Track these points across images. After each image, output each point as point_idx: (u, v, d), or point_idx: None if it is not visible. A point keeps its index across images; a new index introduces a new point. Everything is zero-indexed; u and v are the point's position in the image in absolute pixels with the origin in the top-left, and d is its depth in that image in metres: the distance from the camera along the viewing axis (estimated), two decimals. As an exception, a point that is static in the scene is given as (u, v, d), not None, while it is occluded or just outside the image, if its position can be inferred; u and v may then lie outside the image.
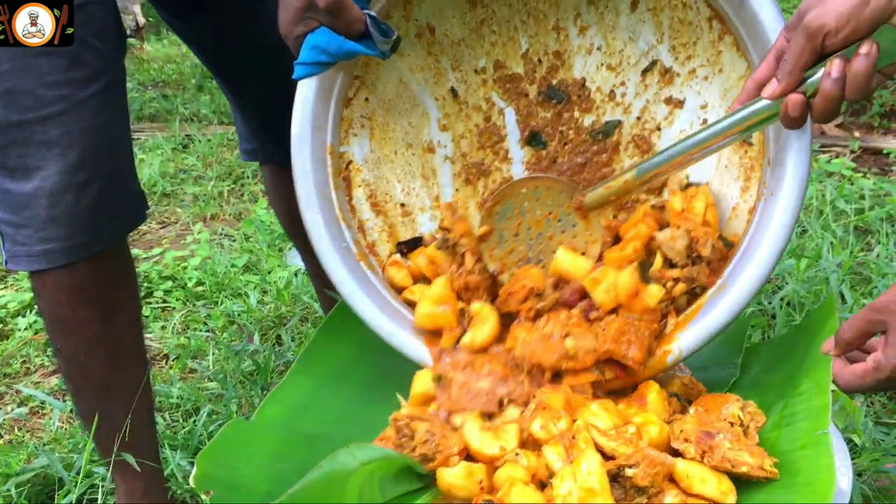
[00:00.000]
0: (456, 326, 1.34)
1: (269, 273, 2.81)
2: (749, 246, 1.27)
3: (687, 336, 1.26)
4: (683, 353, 1.25)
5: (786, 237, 1.23)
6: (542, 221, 1.34)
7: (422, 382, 1.34)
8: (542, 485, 1.17)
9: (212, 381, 2.24)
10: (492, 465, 1.20)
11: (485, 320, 1.29)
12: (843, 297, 2.11)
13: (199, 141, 4.18)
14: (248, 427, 1.36)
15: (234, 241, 3.14)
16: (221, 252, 3.00)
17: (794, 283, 2.18)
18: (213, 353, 2.36)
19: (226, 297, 2.73)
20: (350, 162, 1.39)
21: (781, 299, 2.14)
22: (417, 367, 1.33)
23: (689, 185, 1.36)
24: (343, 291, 1.33)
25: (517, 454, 1.19)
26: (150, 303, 2.75)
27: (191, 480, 1.16)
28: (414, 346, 1.35)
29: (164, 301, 2.76)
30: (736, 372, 1.43)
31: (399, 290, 1.39)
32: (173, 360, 2.39)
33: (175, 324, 2.58)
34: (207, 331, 2.56)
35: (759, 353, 1.49)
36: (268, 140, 1.78)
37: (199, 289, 2.80)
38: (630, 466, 1.11)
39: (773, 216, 1.24)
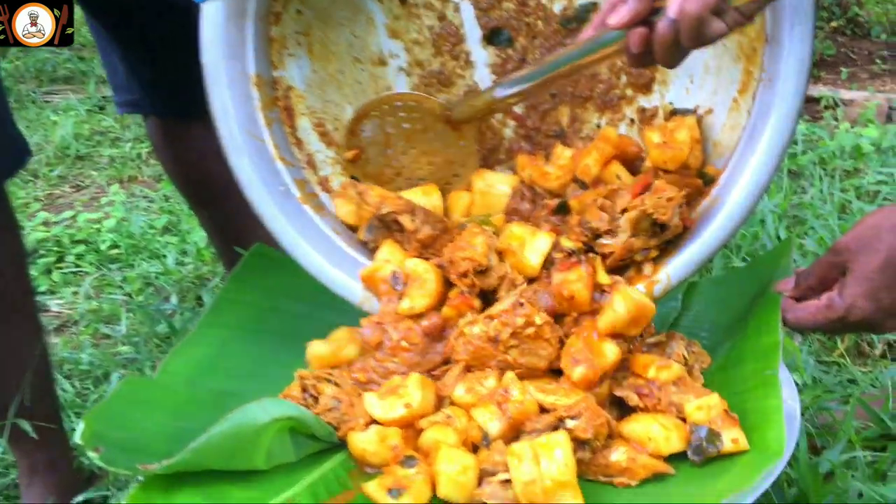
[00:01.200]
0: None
1: (190, 233, 2.62)
2: (745, 150, 1.12)
3: (677, 262, 1.12)
4: (672, 281, 1.13)
5: (790, 129, 1.08)
6: (412, 136, 1.22)
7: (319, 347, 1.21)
8: (476, 447, 1.05)
9: (125, 345, 2.06)
10: (413, 427, 1.07)
11: (422, 284, 1.13)
12: (778, 237, 2.03)
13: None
14: (146, 384, 1.22)
15: (153, 202, 2.94)
16: (139, 214, 2.80)
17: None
18: (128, 317, 2.18)
19: (143, 259, 2.54)
20: (290, 88, 1.22)
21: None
22: (340, 319, 1.23)
23: (674, 113, 1.21)
24: (283, 242, 1.18)
25: (448, 416, 1.06)
26: (60, 268, 2.55)
27: (76, 437, 1.02)
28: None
29: (77, 266, 2.56)
30: (678, 307, 1.32)
31: (353, 230, 1.23)
32: (84, 326, 2.21)
33: (87, 288, 2.39)
34: (123, 295, 2.37)
35: (700, 292, 1.38)
36: (161, 87, 1.55)
37: (114, 252, 2.61)
38: (571, 418, 0.99)
39: (773, 105, 1.08)
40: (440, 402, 1.09)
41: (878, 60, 3.56)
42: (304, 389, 1.13)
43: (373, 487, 0.98)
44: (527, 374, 1.08)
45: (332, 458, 1.11)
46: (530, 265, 1.11)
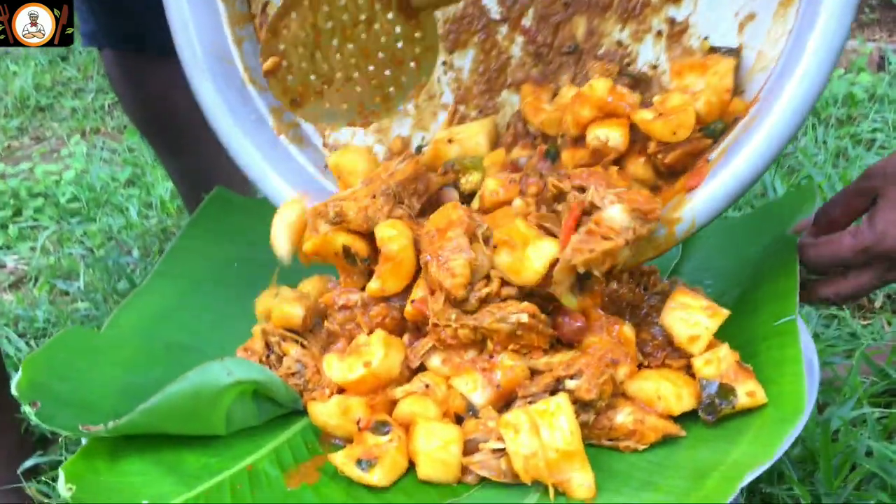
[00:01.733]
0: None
1: (154, 186, 2.47)
2: (790, 56, 0.89)
3: (703, 198, 0.88)
4: (698, 222, 0.90)
5: (845, 27, 0.83)
6: (349, 31, 1.00)
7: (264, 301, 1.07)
8: (459, 419, 0.92)
9: (82, 301, 1.92)
10: (385, 396, 0.94)
11: (398, 264, 0.96)
12: (774, 188, 1.92)
13: (80, 52, 3.73)
14: (92, 335, 1.08)
15: (116, 154, 2.77)
16: (101, 166, 2.64)
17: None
18: (87, 273, 2.03)
19: (105, 213, 2.38)
20: (267, 3, 1.05)
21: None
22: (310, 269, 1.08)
23: (713, 51, 0.96)
24: (255, 178, 1.05)
25: (426, 385, 0.92)
26: (17, 222, 2.39)
27: (12, 387, 0.90)
28: None
29: (35, 220, 2.40)
30: (678, 254, 1.19)
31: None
32: (41, 282, 2.06)
33: (45, 243, 2.23)
34: (84, 250, 2.22)
35: (701, 238, 1.25)
36: (118, 16, 1.42)
37: (74, 205, 2.45)
38: (570, 377, 0.86)
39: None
40: (411, 373, 0.95)
41: (866, 10, 3.43)
42: (268, 346, 1.00)
43: (340, 458, 0.85)
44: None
45: (299, 420, 0.98)
46: (532, 269, 0.91)
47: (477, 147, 1.06)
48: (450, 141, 1.07)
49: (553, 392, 0.87)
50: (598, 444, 0.89)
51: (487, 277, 0.93)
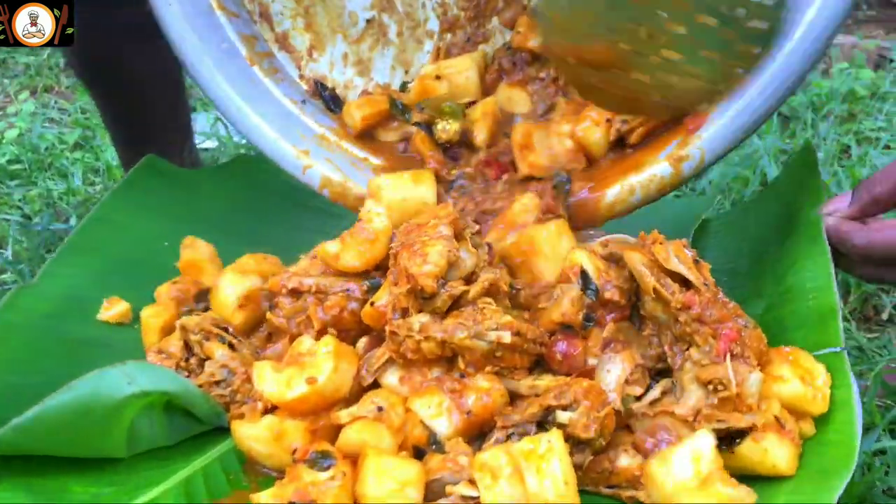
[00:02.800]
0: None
1: (104, 150, 2.23)
2: None
3: (714, 132, 0.83)
4: (707, 157, 0.84)
5: None
6: None
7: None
8: (420, 453, 0.72)
9: (9, 273, 1.69)
10: (328, 416, 0.74)
11: (373, 240, 0.82)
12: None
13: (39, 6, 3.47)
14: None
15: (67, 114, 2.53)
16: (49, 126, 2.40)
17: (724, 165, 1.79)
18: (21, 241, 1.80)
19: (47, 177, 2.15)
20: None
21: (710, 182, 1.75)
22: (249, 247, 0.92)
23: None
24: (226, 112, 0.95)
25: (379, 407, 0.72)
26: (-50, 182, 2.14)
27: None
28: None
29: (-30, 181, 2.16)
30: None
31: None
32: (-34, 249, 1.82)
33: (-24, 206, 2.00)
34: (21, 216, 1.99)
35: (711, 233, 1.06)
36: None
37: (15, 167, 2.21)
38: (563, 408, 0.66)
39: None
40: (361, 391, 0.75)
41: (863, 6, 3.27)
42: (188, 346, 0.79)
43: (266, 499, 0.65)
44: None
45: (222, 441, 0.77)
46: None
47: (467, 83, 0.94)
48: (437, 77, 0.94)
49: (540, 424, 0.68)
50: (594, 490, 0.70)
51: (469, 281, 0.74)
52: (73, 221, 1.86)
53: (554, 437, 0.64)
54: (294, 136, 0.96)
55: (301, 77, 1.01)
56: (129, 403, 0.72)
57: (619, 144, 0.90)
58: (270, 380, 0.72)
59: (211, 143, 2.17)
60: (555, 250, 0.80)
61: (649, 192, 0.87)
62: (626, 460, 0.69)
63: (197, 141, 2.16)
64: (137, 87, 1.06)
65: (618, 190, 0.87)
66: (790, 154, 1.97)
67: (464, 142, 0.92)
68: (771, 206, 1.02)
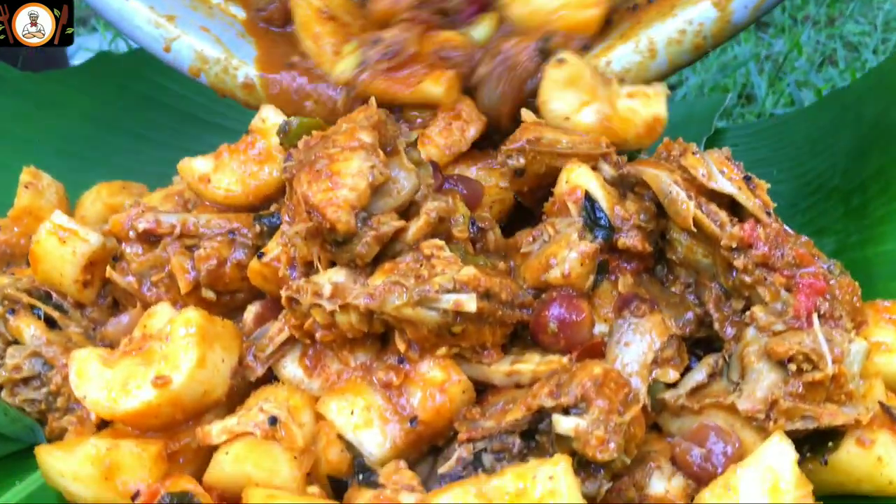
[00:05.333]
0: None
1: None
2: None
3: None
4: None
5: None
6: None
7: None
8: (338, 486, 0.46)
9: None
10: (192, 431, 0.46)
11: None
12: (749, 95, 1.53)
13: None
14: None
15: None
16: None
17: (703, 72, 1.55)
18: None
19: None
20: None
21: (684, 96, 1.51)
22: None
23: None
24: None
25: (272, 419, 0.44)
26: None
27: None
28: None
29: None
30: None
31: None
32: None
33: None
34: None
35: (726, 144, 0.82)
36: None
37: None
38: (564, 409, 0.40)
39: None
40: (245, 389, 0.49)
41: None
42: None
43: None
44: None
45: (34, 472, 0.50)
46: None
47: None
48: None
49: (528, 434, 0.42)
50: (611, 531, 0.44)
51: (407, 215, 0.46)
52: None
53: (559, 469, 0.37)
54: None
55: None
56: None
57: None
58: (96, 380, 0.44)
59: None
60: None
61: (681, 52, 0.60)
62: (660, 484, 0.43)
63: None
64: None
65: (628, 50, 0.59)
66: (770, 60, 1.74)
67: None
68: (836, 116, 0.76)
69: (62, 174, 0.74)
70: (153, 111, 0.88)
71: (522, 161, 0.54)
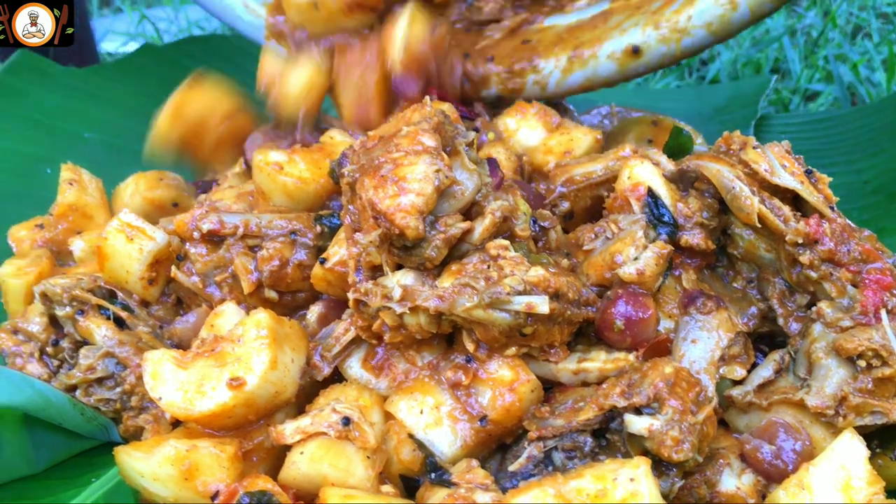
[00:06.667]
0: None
1: None
2: None
3: None
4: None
5: None
6: None
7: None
8: (411, 484, 0.47)
9: None
10: (265, 430, 0.47)
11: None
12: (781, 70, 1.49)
13: None
14: None
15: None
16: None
17: (736, 47, 1.53)
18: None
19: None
20: None
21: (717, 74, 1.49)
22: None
23: None
24: None
25: (345, 420, 0.45)
26: None
27: None
28: None
29: None
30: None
31: None
32: None
33: None
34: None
35: (773, 133, 0.80)
36: None
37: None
38: (636, 409, 0.41)
39: None
40: (312, 388, 0.49)
41: None
42: (55, 323, 0.53)
43: None
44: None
45: (112, 468, 0.51)
46: None
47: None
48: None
49: (599, 432, 0.42)
50: (680, 528, 0.44)
51: (470, 215, 0.46)
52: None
53: (640, 472, 0.38)
54: None
55: None
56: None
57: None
58: (171, 382, 0.45)
59: (136, 45, 1.84)
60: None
61: (763, 2, 0.60)
62: (731, 481, 0.44)
63: (117, 43, 1.82)
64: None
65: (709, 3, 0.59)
66: (802, 33, 1.71)
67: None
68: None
69: (107, 168, 0.75)
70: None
71: (567, 205, 0.56)
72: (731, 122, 0.78)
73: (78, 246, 0.64)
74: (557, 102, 0.72)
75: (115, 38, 1.83)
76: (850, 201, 0.67)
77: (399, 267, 0.46)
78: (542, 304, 0.43)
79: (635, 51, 0.64)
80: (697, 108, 0.78)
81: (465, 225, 0.46)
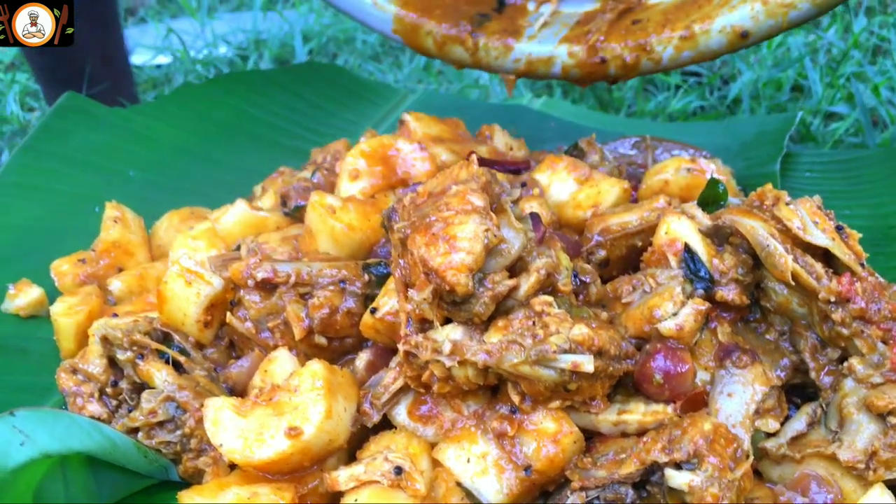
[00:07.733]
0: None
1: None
2: None
3: None
4: None
5: None
6: None
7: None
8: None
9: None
10: (320, 476, 0.50)
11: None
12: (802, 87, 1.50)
13: None
14: None
15: None
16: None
17: (758, 67, 1.54)
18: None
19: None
20: None
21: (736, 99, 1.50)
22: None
23: None
24: None
25: (398, 469, 0.47)
26: None
27: None
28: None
29: None
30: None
31: None
32: None
33: None
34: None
35: (799, 172, 0.82)
36: None
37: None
38: (676, 465, 0.43)
39: None
40: (361, 434, 0.52)
41: None
42: (114, 364, 0.55)
43: None
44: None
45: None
46: None
47: None
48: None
49: (640, 485, 0.44)
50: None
51: (515, 272, 0.49)
52: (4, 157, 1.57)
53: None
54: None
55: None
56: (28, 468, 0.48)
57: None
58: (231, 430, 0.48)
59: (164, 59, 1.86)
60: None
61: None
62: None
63: (147, 57, 1.85)
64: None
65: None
66: (823, 51, 1.72)
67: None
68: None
69: (149, 206, 0.77)
70: (228, 136, 0.91)
71: (604, 253, 0.58)
72: (758, 159, 0.80)
73: (116, 286, 0.68)
74: (588, 146, 0.74)
75: (144, 51, 1.86)
76: (876, 246, 0.69)
77: (447, 320, 0.48)
78: (588, 364, 0.45)
79: (744, 34, 0.68)
80: (725, 143, 0.80)
81: (512, 282, 0.48)
